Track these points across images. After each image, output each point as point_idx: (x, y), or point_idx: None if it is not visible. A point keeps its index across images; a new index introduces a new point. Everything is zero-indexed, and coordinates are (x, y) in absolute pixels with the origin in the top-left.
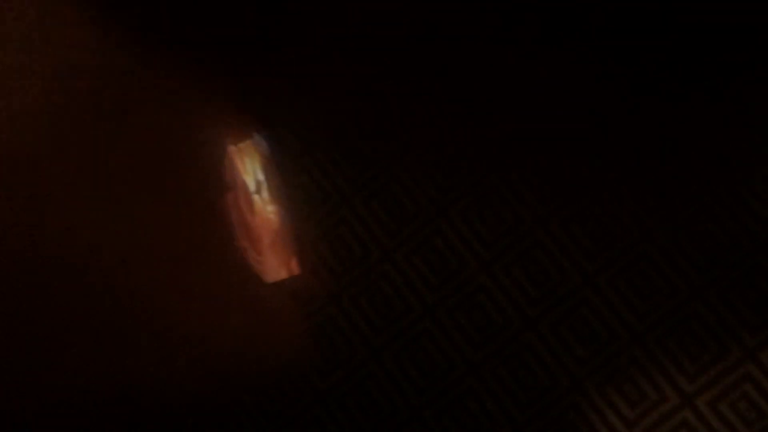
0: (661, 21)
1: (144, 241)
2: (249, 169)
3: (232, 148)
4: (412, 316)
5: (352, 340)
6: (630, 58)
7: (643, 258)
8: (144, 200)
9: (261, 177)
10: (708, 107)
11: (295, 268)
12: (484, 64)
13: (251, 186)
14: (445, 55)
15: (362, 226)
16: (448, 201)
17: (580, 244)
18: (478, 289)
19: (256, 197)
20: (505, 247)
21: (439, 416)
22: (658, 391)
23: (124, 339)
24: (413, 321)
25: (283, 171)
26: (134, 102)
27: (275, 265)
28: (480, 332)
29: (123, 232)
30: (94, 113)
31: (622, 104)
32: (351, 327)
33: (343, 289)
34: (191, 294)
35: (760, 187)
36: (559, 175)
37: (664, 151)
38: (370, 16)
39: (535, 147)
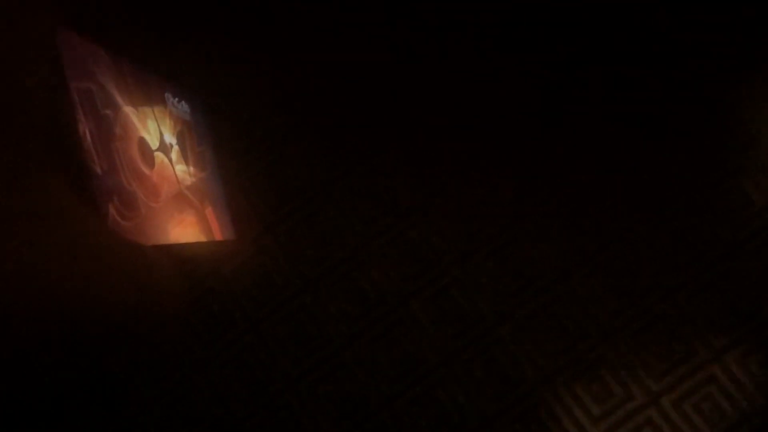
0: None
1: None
2: (152, 129)
3: (128, 109)
4: (387, 306)
5: (325, 329)
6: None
7: (617, 258)
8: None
9: (169, 139)
10: (682, 121)
11: (199, 232)
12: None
13: (153, 144)
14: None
15: (339, 214)
16: (425, 193)
17: (555, 241)
18: (453, 282)
19: (158, 154)
20: (481, 242)
21: (410, 406)
22: (624, 389)
23: None
24: (389, 311)
25: (212, 137)
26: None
27: (166, 225)
28: (453, 325)
29: None
30: None
31: (595, 106)
32: (323, 315)
33: (318, 277)
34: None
35: (733, 197)
36: (537, 179)
37: (640, 159)
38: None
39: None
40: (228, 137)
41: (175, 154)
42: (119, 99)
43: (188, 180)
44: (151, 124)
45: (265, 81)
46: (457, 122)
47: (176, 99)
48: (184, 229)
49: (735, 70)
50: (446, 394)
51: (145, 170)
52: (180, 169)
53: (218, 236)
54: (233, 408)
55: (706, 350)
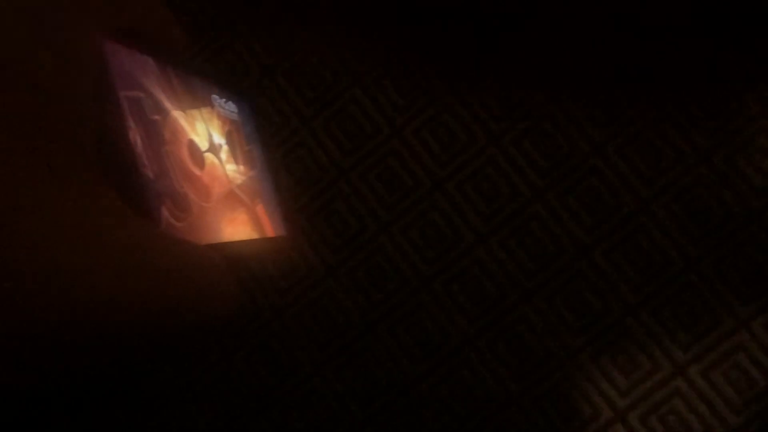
0: None
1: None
2: (201, 131)
3: (176, 113)
4: (408, 289)
5: (347, 311)
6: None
7: (639, 230)
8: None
9: (218, 140)
10: (704, 70)
11: (251, 230)
12: None
13: (203, 145)
14: None
15: (359, 200)
16: (445, 175)
17: (576, 216)
18: (475, 261)
19: (208, 155)
20: (502, 221)
21: (436, 387)
22: (651, 360)
23: (26, 309)
24: (409, 294)
25: (263, 136)
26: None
27: (219, 224)
28: (475, 304)
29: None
30: None
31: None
32: (346, 300)
33: (339, 263)
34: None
35: (757, 157)
36: (555, 141)
37: (659, 122)
38: None
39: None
40: (274, 136)
41: (224, 154)
42: (167, 104)
43: (239, 179)
44: (200, 126)
45: (303, 79)
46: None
47: (223, 100)
48: (236, 227)
49: None
50: (471, 374)
51: (196, 171)
52: (230, 168)
53: (270, 233)
54: (264, 397)
55: (732, 319)
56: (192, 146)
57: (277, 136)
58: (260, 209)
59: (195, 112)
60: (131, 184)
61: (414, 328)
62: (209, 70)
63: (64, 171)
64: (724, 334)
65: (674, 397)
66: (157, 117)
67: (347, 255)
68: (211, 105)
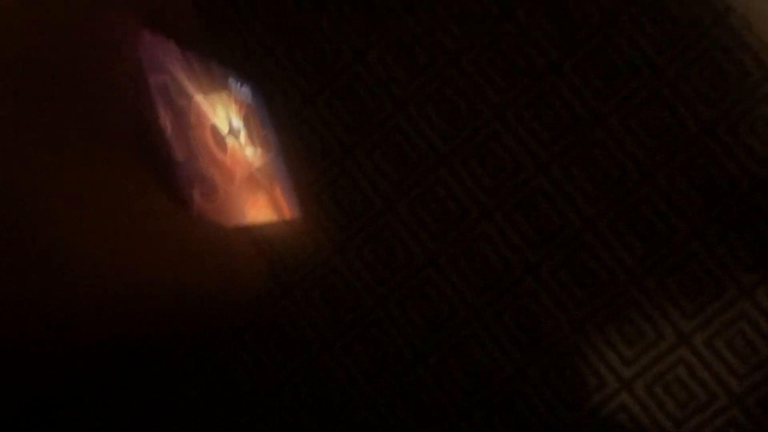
0: None
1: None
2: (222, 115)
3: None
4: (415, 264)
5: (356, 290)
6: None
7: (644, 200)
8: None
9: (237, 123)
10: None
11: (271, 212)
12: None
13: (224, 129)
14: None
15: (364, 177)
16: (450, 149)
17: (581, 189)
18: (480, 236)
19: (230, 139)
20: (506, 194)
21: (444, 360)
22: (656, 330)
23: (56, 300)
24: (417, 269)
25: (275, 119)
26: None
27: (243, 207)
28: (481, 278)
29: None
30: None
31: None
32: (354, 277)
33: (346, 240)
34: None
35: (760, 126)
36: (557, 113)
37: (663, 90)
38: None
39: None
40: (285, 119)
41: (243, 138)
42: (191, 89)
43: (257, 162)
44: (220, 110)
45: (304, 56)
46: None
47: (238, 84)
48: (258, 210)
49: None
50: (479, 347)
51: (219, 155)
52: (249, 152)
53: (288, 215)
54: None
55: (736, 287)
56: (214, 130)
57: (281, 115)
58: (278, 192)
59: (215, 97)
60: (165, 168)
61: (422, 302)
62: (225, 53)
63: (98, 157)
64: (728, 303)
65: (678, 366)
66: (182, 102)
67: (353, 232)
68: (229, 89)
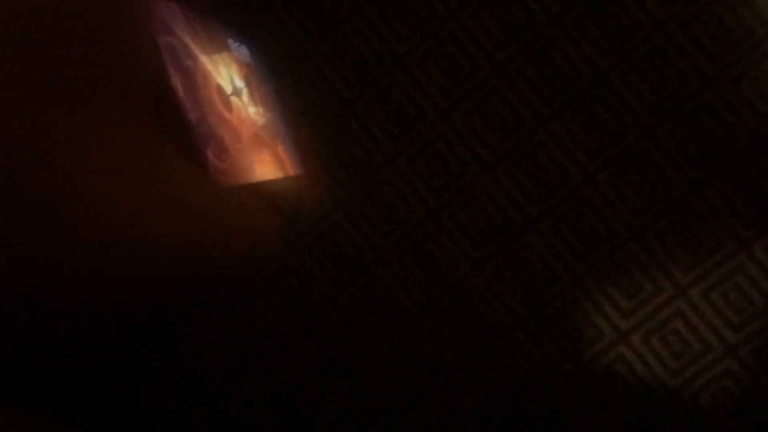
0: None
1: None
2: (225, 75)
3: (203, 58)
4: (416, 219)
5: (358, 244)
6: None
7: (643, 156)
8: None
9: (239, 83)
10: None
11: (276, 169)
12: None
13: (228, 89)
14: None
15: (365, 132)
16: (450, 105)
17: (581, 144)
18: (481, 191)
19: (234, 98)
20: (507, 150)
21: (445, 313)
22: (653, 283)
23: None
24: (417, 223)
25: (274, 76)
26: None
27: (251, 165)
28: (482, 232)
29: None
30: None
31: None
32: (355, 231)
33: (348, 196)
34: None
35: (761, 82)
36: (558, 69)
37: (665, 45)
38: None
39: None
40: (285, 76)
41: (245, 97)
42: (195, 50)
43: (260, 120)
44: (223, 70)
45: (303, 11)
46: None
47: (237, 43)
48: (265, 168)
49: None
50: (479, 300)
51: (226, 115)
52: (252, 110)
53: (291, 172)
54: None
55: (733, 241)
56: (220, 90)
57: (280, 72)
58: (281, 149)
59: (218, 57)
60: (181, 129)
61: (423, 257)
62: (224, 12)
63: (113, 115)
64: (725, 256)
65: (675, 318)
66: (189, 63)
67: (354, 188)
68: (229, 49)
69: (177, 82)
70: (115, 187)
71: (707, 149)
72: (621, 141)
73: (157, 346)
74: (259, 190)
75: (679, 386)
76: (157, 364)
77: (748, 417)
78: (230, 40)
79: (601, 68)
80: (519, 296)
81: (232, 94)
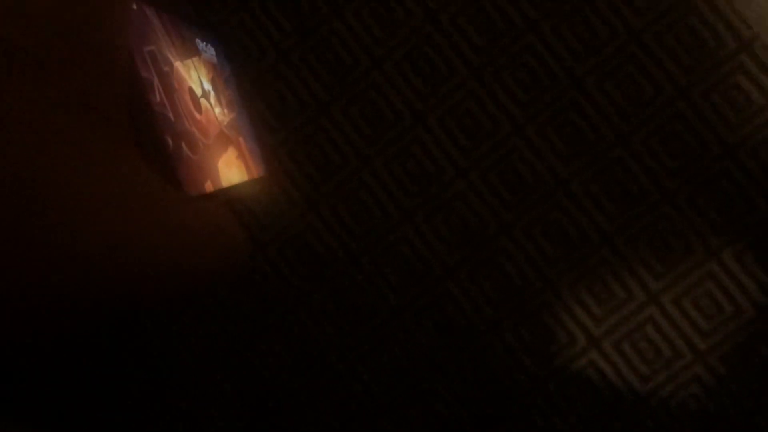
0: None
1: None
2: (195, 78)
3: (177, 64)
4: (390, 222)
5: (331, 246)
6: None
7: (617, 163)
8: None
9: (207, 86)
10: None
11: (242, 172)
12: None
13: (198, 92)
14: None
15: (340, 134)
16: (426, 108)
17: (555, 148)
18: (455, 194)
19: (203, 100)
20: (482, 154)
21: (418, 316)
22: (625, 289)
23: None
24: (392, 226)
25: (247, 76)
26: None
27: (217, 162)
28: (456, 236)
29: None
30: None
31: None
32: (328, 233)
33: (322, 198)
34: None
35: (732, 95)
36: (535, 75)
37: (639, 53)
38: None
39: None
40: (251, 70)
41: (212, 99)
42: (170, 56)
43: (225, 120)
44: (194, 74)
45: (280, 10)
46: None
47: (204, 44)
48: (231, 168)
49: None
50: (452, 303)
51: (197, 115)
52: (218, 111)
53: (254, 170)
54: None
55: (703, 248)
56: (192, 93)
57: (254, 70)
58: (244, 147)
59: (189, 62)
60: (152, 139)
61: (397, 259)
62: (190, 11)
63: (86, 126)
64: (696, 264)
65: (647, 324)
66: (166, 68)
67: (329, 190)
68: (199, 53)
69: (157, 86)
70: (83, 193)
71: (679, 157)
72: (595, 147)
73: (130, 348)
74: (226, 195)
75: (649, 392)
76: (130, 367)
77: (716, 423)
78: (198, 41)
79: (577, 75)
80: (491, 300)
81: (201, 96)
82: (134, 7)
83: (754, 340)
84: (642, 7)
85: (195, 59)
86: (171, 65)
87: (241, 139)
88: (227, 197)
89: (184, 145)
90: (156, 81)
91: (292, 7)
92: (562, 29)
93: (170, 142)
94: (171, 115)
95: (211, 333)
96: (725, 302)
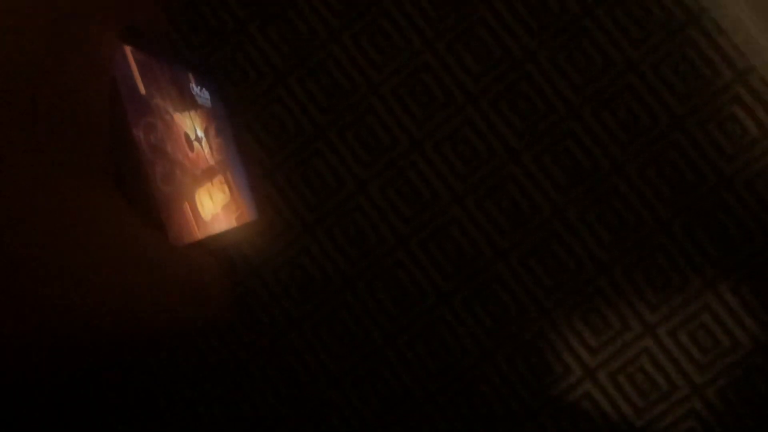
0: None
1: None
2: (190, 126)
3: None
4: (386, 247)
5: (325, 270)
6: None
7: (613, 192)
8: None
9: (200, 134)
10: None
11: (230, 217)
12: None
13: (192, 136)
14: None
15: (336, 158)
16: (423, 134)
17: (551, 176)
18: (451, 220)
19: (195, 143)
20: (478, 181)
21: (411, 343)
22: (621, 320)
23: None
24: (387, 252)
25: (240, 107)
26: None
27: (204, 193)
28: (451, 263)
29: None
30: None
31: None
32: (323, 257)
33: (317, 221)
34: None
35: (729, 125)
36: (532, 103)
37: (636, 83)
38: None
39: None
40: (247, 93)
41: (204, 144)
42: (170, 109)
43: (213, 160)
44: (188, 122)
45: (279, 34)
46: None
47: (199, 87)
48: (220, 220)
49: None
50: (447, 330)
51: (189, 154)
52: (207, 152)
53: (243, 208)
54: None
55: (700, 280)
56: (186, 137)
57: (251, 93)
58: (233, 185)
59: (186, 113)
60: (144, 191)
61: (391, 285)
62: (187, 54)
63: (72, 171)
64: (692, 295)
65: (642, 356)
66: (167, 117)
67: (324, 213)
68: (196, 105)
69: (161, 128)
70: (67, 242)
71: (675, 187)
72: (591, 176)
73: (115, 390)
74: (215, 242)
75: (644, 425)
76: (123, 409)
77: None
78: (192, 85)
79: (574, 103)
80: (486, 328)
81: (194, 140)
82: (129, 54)
83: (752, 375)
84: (639, 38)
85: (192, 112)
86: (171, 115)
87: (229, 174)
88: (218, 243)
89: (177, 169)
90: (159, 126)
91: (291, 30)
92: (560, 58)
93: (161, 187)
94: (161, 157)
95: (202, 353)
96: (722, 335)
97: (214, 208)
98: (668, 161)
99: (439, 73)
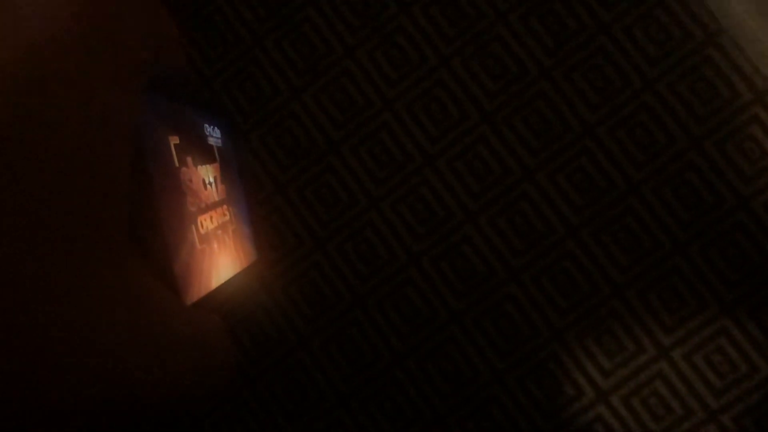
0: None
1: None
2: (205, 174)
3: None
4: (397, 264)
5: (336, 286)
6: None
7: (628, 212)
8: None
9: (212, 180)
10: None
11: (235, 261)
12: None
13: (207, 181)
14: None
15: (349, 174)
16: (436, 151)
17: (565, 196)
18: (463, 238)
19: (209, 186)
20: (492, 199)
21: (422, 362)
22: (635, 342)
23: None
24: (398, 269)
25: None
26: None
27: (215, 228)
28: (463, 282)
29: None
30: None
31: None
32: (334, 273)
33: (329, 237)
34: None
35: (747, 146)
36: (546, 119)
37: (653, 102)
38: None
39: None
40: (271, 115)
41: (214, 189)
42: (191, 163)
43: (220, 199)
44: (204, 171)
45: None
46: None
47: (212, 127)
48: (225, 265)
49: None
50: (457, 351)
51: (203, 194)
52: (215, 192)
53: (249, 250)
54: None
55: (717, 303)
56: (203, 181)
57: (266, 108)
58: (238, 227)
59: (202, 167)
60: (161, 257)
61: (402, 303)
62: (202, 95)
63: (87, 244)
64: (708, 319)
65: (656, 380)
66: (184, 167)
67: (336, 228)
68: (211, 160)
69: (183, 174)
70: (79, 310)
71: (692, 208)
72: (606, 196)
73: None
74: (221, 294)
75: None
76: None
77: None
78: (206, 125)
79: (589, 122)
80: (498, 349)
81: (208, 184)
82: (169, 139)
83: None
84: (656, 57)
85: (207, 165)
86: (189, 166)
87: (234, 216)
88: (223, 295)
89: (202, 218)
90: (185, 174)
91: (307, 45)
92: (575, 77)
93: (172, 240)
94: (188, 191)
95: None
96: (739, 360)
97: (221, 252)
98: (685, 182)
99: (453, 90)
